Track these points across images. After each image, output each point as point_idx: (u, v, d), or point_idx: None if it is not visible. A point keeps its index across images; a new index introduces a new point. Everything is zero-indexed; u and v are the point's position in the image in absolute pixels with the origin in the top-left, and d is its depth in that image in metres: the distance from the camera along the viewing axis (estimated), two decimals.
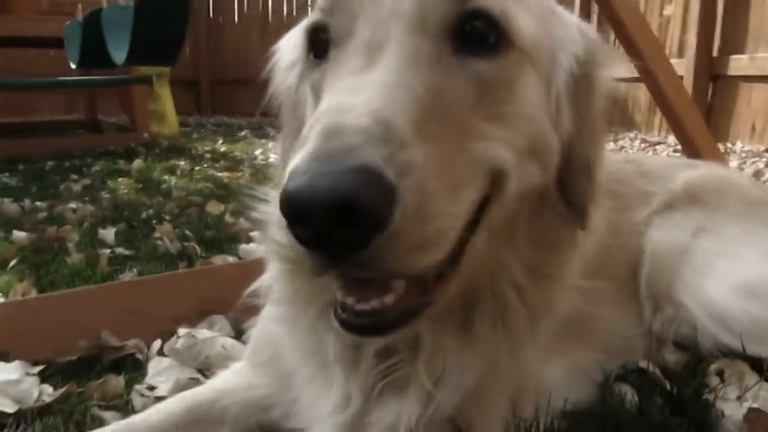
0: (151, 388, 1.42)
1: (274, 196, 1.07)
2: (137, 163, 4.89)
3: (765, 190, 1.73)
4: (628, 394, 1.31)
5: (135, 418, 1.18)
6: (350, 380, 1.00)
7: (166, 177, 4.42)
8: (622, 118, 7.46)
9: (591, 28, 1.01)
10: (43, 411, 1.31)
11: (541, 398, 1.17)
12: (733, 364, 1.37)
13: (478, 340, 0.98)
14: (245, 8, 11.05)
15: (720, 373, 1.36)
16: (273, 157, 4.86)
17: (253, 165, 4.96)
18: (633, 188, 1.60)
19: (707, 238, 1.49)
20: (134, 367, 1.53)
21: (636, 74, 2.76)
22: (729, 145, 5.61)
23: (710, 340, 1.41)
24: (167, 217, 3.05)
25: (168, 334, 1.60)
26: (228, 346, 1.54)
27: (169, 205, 3.34)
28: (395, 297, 0.78)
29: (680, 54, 6.47)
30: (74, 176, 4.39)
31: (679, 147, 3.08)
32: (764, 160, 4.84)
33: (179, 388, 1.37)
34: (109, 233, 2.70)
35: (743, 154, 5.15)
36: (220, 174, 4.55)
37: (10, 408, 1.29)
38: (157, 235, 2.67)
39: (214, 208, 3.21)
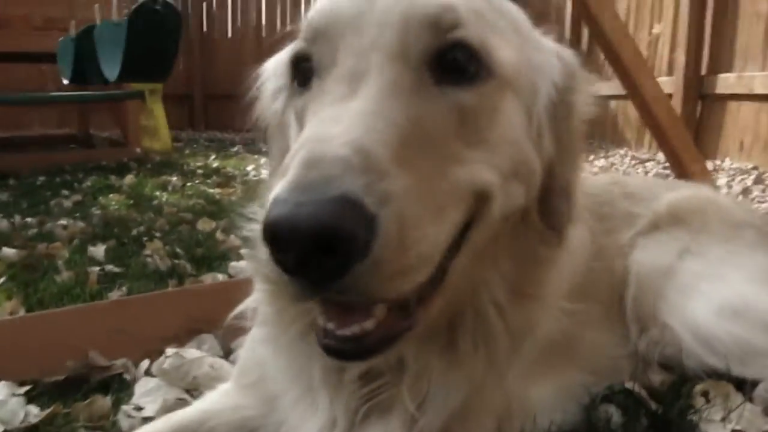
0: (138, 408, 1.41)
1: (261, 214, 1.08)
2: (129, 178, 4.89)
3: (748, 211, 1.75)
4: (614, 415, 1.32)
5: None
6: (335, 403, 1.01)
7: (158, 193, 4.41)
8: (612, 135, 7.51)
9: (569, 54, 1.04)
10: None
11: (526, 419, 1.18)
12: (718, 386, 1.38)
13: (462, 360, 1.00)
14: (238, 23, 11.06)
15: (705, 394, 1.37)
16: (264, 174, 4.86)
17: (245, 181, 4.96)
18: (618, 210, 1.62)
19: (691, 260, 1.50)
20: (122, 387, 1.53)
21: (625, 92, 2.80)
22: (718, 162, 5.65)
23: (695, 362, 1.42)
24: (158, 234, 3.05)
25: (156, 354, 1.60)
26: (216, 366, 1.54)
27: (160, 221, 3.34)
28: (375, 322, 0.79)
29: (669, 72, 6.53)
30: (65, 192, 4.38)
31: (669, 164, 3.10)
32: (752, 177, 4.88)
33: (166, 408, 1.37)
34: (99, 250, 2.69)
35: (732, 172, 5.19)
36: (211, 190, 4.55)
37: None
38: (147, 252, 2.67)
39: (205, 225, 3.21)
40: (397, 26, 0.84)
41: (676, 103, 6.01)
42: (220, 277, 2.34)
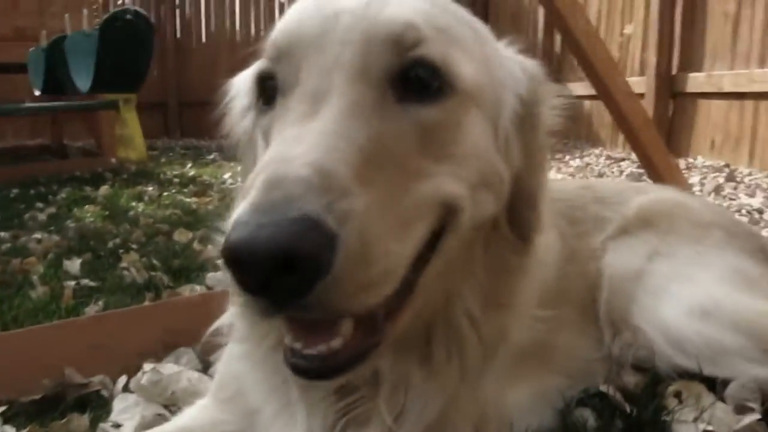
0: (117, 425, 1.41)
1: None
2: (104, 189, 4.84)
3: (716, 212, 1.77)
4: (590, 419, 1.34)
5: None
6: (312, 418, 1.01)
7: (134, 203, 4.38)
8: (587, 135, 7.59)
9: (533, 65, 1.05)
10: None
11: (503, 426, 1.20)
12: (690, 386, 1.40)
13: (438, 371, 1.01)
14: (212, 28, 11.01)
15: (678, 395, 1.39)
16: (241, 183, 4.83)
17: (221, 189, 4.94)
18: (589, 214, 1.64)
19: (661, 262, 1.53)
20: (99, 405, 1.52)
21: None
22: (690, 160, 5.74)
23: (667, 363, 1.44)
24: (134, 246, 3.03)
25: (134, 369, 1.58)
26: (194, 380, 1.54)
27: (136, 233, 3.31)
28: (343, 342, 0.80)
29: (641, 72, 6.62)
30: (39, 204, 4.33)
31: (641, 165, 3.15)
32: (724, 174, 4.96)
33: (145, 425, 1.36)
34: (74, 264, 2.67)
35: (704, 169, 5.28)
36: (188, 199, 4.53)
37: None
38: (123, 264, 2.65)
39: (181, 235, 3.19)
40: (359, 45, 0.84)
41: (649, 103, 6.10)
42: (198, 288, 2.33)
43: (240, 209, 0.70)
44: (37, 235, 3.29)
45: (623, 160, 6.14)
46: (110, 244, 3.08)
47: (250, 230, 0.66)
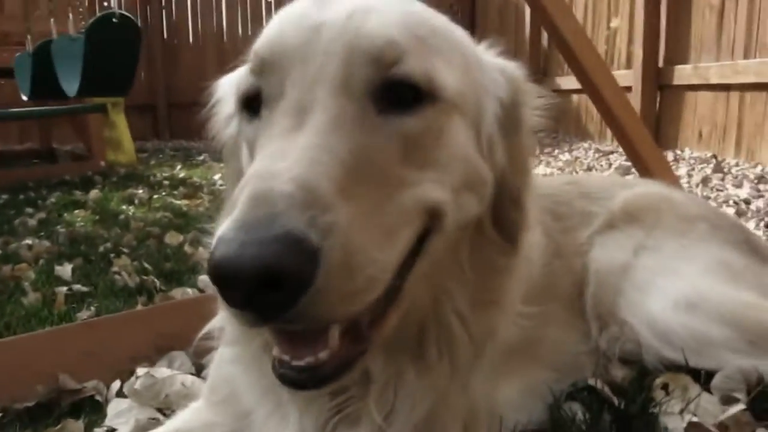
0: (111, 430, 1.42)
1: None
2: (94, 193, 4.83)
3: (701, 205, 1.80)
4: (579, 413, 1.35)
5: None
6: (304, 418, 1.03)
7: (124, 207, 4.38)
8: (575, 129, 7.63)
9: (514, 68, 1.06)
10: None
11: (493, 422, 1.21)
12: (677, 378, 1.42)
13: (430, 369, 1.03)
14: (200, 28, 10.96)
15: (665, 387, 1.41)
16: None
17: (212, 191, 4.94)
18: (575, 209, 1.66)
19: (647, 256, 1.55)
20: (94, 410, 1.53)
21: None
22: (678, 152, 5.78)
23: (654, 356, 1.47)
24: (125, 250, 3.03)
25: (127, 374, 1.60)
26: (188, 384, 1.55)
27: (127, 237, 3.31)
28: (329, 353, 0.82)
29: (628, 65, 6.65)
30: (29, 210, 4.31)
31: (629, 160, 3.18)
32: (711, 165, 5.00)
33: (139, 429, 1.38)
34: (66, 269, 2.67)
35: (692, 161, 5.32)
36: (178, 202, 4.52)
37: None
38: (115, 269, 2.65)
39: (172, 238, 3.20)
40: (341, 58, 0.85)
41: (636, 95, 6.13)
42: (190, 291, 2.33)
43: (225, 226, 0.71)
44: (28, 241, 3.28)
45: (612, 153, 6.18)
46: (101, 249, 3.08)
47: (234, 248, 0.67)
